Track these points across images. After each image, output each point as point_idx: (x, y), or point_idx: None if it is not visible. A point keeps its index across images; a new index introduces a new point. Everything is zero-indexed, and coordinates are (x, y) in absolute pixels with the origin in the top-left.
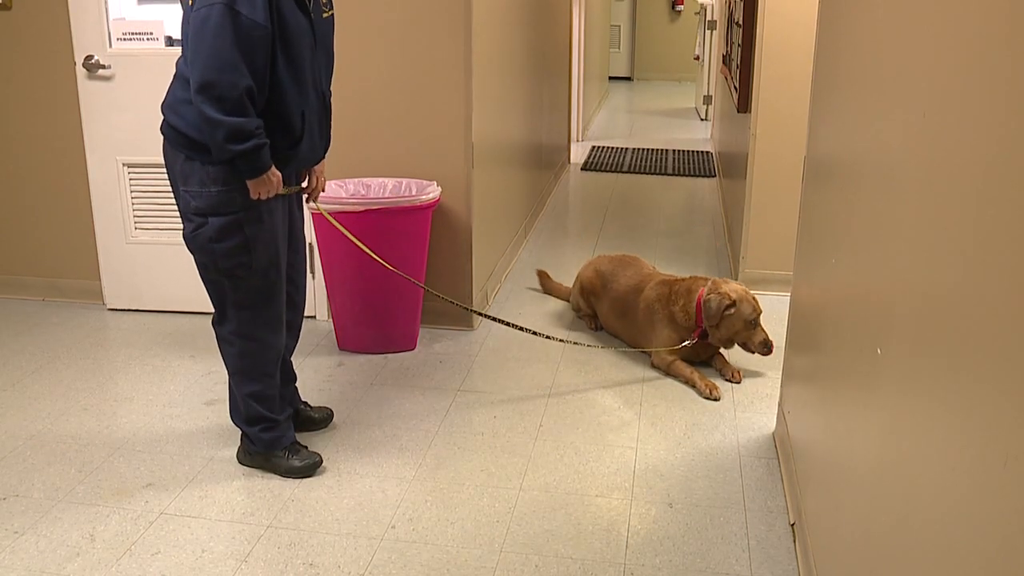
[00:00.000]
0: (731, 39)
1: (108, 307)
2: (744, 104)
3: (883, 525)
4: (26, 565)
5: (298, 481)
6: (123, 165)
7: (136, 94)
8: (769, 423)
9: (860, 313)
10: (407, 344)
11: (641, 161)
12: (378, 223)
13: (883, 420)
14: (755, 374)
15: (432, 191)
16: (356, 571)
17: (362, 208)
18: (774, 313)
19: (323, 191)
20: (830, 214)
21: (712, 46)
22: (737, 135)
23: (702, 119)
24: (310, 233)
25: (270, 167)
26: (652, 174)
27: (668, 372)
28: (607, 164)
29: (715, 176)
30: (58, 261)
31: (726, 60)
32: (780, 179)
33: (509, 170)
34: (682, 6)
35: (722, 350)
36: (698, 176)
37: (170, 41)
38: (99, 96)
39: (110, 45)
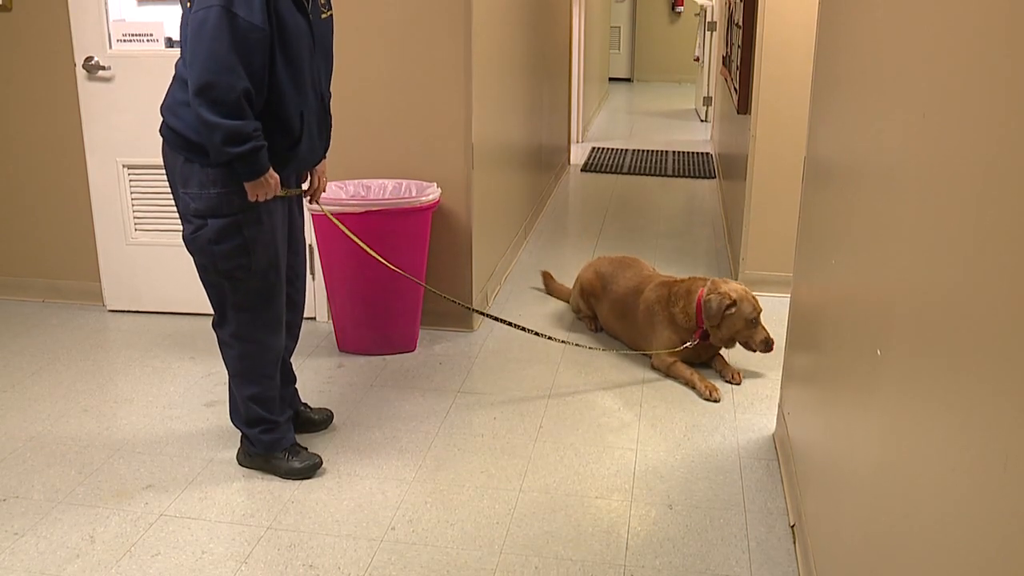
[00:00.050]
0: (731, 40)
1: (108, 308)
2: (744, 105)
3: (883, 526)
4: (26, 567)
5: (298, 483)
6: (123, 166)
7: (136, 95)
8: (769, 424)
9: (860, 314)
10: (407, 345)
11: (641, 162)
12: (378, 224)
13: (883, 421)
14: (755, 375)
15: (432, 192)
16: (356, 572)
17: (362, 209)
18: (774, 314)
19: (324, 192)
20: (830, 215)
21: (712, 47)
22: (737, 136)
23: (702, 120)
24: (310, 234)
25: (268, 169)
26: (652, 175)
27: (668, 374)
28: (607, 165)
29: (715, 177)
30: (58, 262)
31: (726, 61)
32: (780, 180)
33: (509, 171)
34: (682, 7)
35: (722, 351)
36: (698, 177)
37: (170, 42)
38: (99, 97)
39: (110, 46)
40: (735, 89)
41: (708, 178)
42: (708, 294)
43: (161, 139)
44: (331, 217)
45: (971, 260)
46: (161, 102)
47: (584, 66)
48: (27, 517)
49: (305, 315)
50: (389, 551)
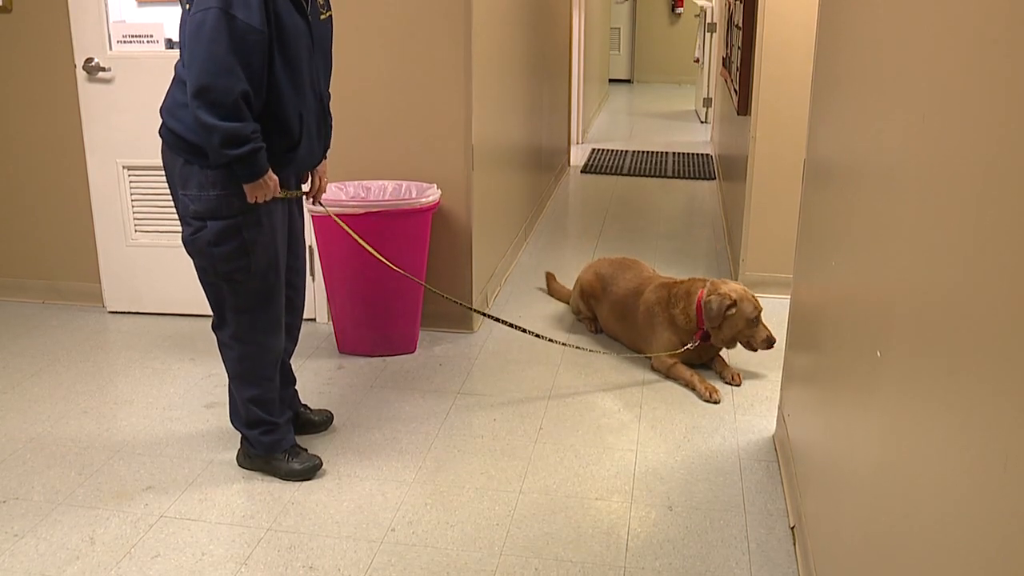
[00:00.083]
0: (731, 41)
1: (108, 310)
2: (744, 106)
3: (883, 528)
4: (26, 568)
5: (298, 484)
6: (123, 167)
7: (136, 96)
8: (769, 426)
9: (860, 315)
10: (407, 347)
11: (641, 164)
12: (378, 226)
13: (883, 423)
14: (755, 377)
15: (432, 194)
16: (356, 574)
17: (362, 211)
18: (774, 316)
19: (324, 192)
20: (830, 216)
21: (712, 48)
22: (737, 137)
23: (702, 121)
24: (310, 236)
25: (267, 171)
26: (652, 177)
27: (668, 375)
28: (607, 167)
29: (715, 178)
30: (58, 264)
31: (726, 62)
32: (780, 181)
33: (509, 173)
34: (682, 9)
35: (722, 352)
36: (698, 178)
37: (170, 44)
38: (99, 98)
39: (110, 47)
40: (735, 90)
41: (708, 179)
42: (708, 295)
43: (161, 141)
44: (336, 218)
45: (971, 261)
46: (161, 104)
47: (584, 67)
48: (27, 519)
49: (305, 316)
50: (389, 552)
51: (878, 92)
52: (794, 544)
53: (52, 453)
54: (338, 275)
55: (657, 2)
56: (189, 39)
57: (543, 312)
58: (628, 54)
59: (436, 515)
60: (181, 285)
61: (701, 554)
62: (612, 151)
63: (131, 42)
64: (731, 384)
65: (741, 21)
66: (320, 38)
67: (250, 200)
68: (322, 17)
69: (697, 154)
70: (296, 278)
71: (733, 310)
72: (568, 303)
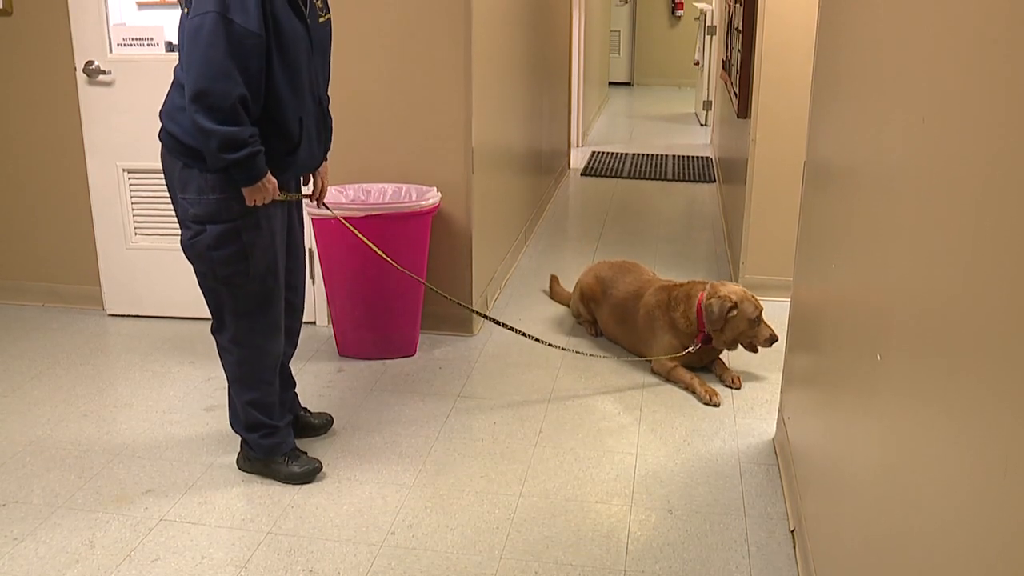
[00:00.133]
0: (731, 44)
1: (108, 313)
2: (744, 109)
3: (883, 531)
4: (25, 572)
5: (298, 487)
6: (123, 170)
7: (136, 99)
8: (769, 429)
9: (860, 318)
10: (407, 350)
11: (641, 166)
12: (378, 229)
13: (883, 426)
14: (755, 380)
15: (432, 196)
16: None
17: (362, 214)
18: (774, 319)
19: (327, 194)
20: (830, 219)
21: (712, 51)
22: (737, 140)
23: (702, 124)
24: (309, 239)
25: (265, 174)
26: (652, 179)
27: (668, 378)
28: (607, 169)
29: (715, 181)
30: (58, 266)
31: (726, 65)
32: (780, 184)
33: (509, 175)
34: (682, 11)
35: (722, 355)
36: (698, 181)
37: (170, 47)
38: (99, 101)
39: (110, 50)
40: (735, 93)
41: (708, 182)
42: (708, 299)
43: (160, 144)
44: (343, 221)
45: (970, 264)
46: (160, 107)
47: (584, 70)
48: (26, 522)
49: (305, 319)
50: (389, 556)
51: (878, 95)
52: (794, 547)
53: (52, 456)
54: (338, 278)
55: (657, 5)
56: (187, 43)
57: (543, 315)
58: (628, 57)
59: (436, 518)
60: (181, 288)
61: (701, 557)
62: (612, 154)
63: (131, 45)
64: (731, 387)
65: (741, 24)
66: (319, 41)
67: (249, 203)
68: (321, 20)
69: (697, 157)
70: (296, 281)
71: (735, 312)
72: (568, 306)
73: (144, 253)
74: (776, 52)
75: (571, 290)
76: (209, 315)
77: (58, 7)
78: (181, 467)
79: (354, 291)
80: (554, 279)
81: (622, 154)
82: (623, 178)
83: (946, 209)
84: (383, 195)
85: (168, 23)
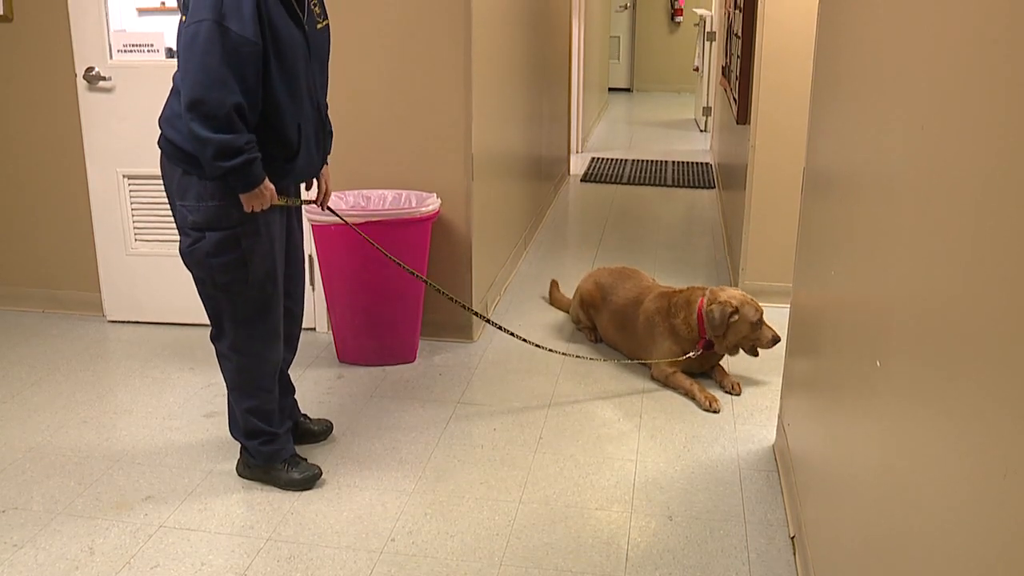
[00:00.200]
0: (730, 50)
1: (108, 319)
2: (743, 115)
3: (883, 537)
4: None
5: (297, 494)
6: (123, 176)
7: (136, 106)
8: (769, 435)
9: (860, 324)
10: (407, 356)
11: (640, 172)
12: (378, 235)
13: (883, 432)
14: (754, 386)
15: (432, 203)
16: None
17: (362, 220)
18: (774, 324)
19: (330, 197)
20: (829, 226)
21: (711, 57)
22: (736, 146)
23: (701, 130)
24: (309, 245)
25: (263, 180)
26: (651, 185)
27: (668, 384)
28: (606, 175)
29: (714, 187)
30: (58, 273)
31: (725, 71)
32: (779, 190)
33: (509, 182)
34: (681, 17)
35: (721, 361)
36: (697, 187)
37: (170, 53)
38: (99, 107)
39: (111, 57)
40: (734, 99)
41: (708, 188)
42: (709, 304)
43: (159, 151)
44: (353, 227)
45: (970, 269)
46: (160, 114)
47: (584, 76)
48: (26, 528)
49: (305, 326)
50: (389, 563)
51: (878, 101)
52: (794, 554)
53: (51, 463)
54: (338, 284)
55: (657, 11)
56: (183, 51)
57: (543, 321)
58: (628, 63)
59: (436, 525)
60: (181, 294)
61: (701, 564)
62: (612, 160)
63: (131, 51)
64: (731, 393)
65: (740, 30)
66: (317, 48)
67: (247, 210)
68: (319, 27)
69: (696, 163)
70: (295, 288)
71: (736, 317)
72: (568, 312)
73: (144, 259)
74: (776, 58)
75: (571, 296)
76: (209, 322)
77: (59, 13)
78: (181, 473)
79: (354, 297)
80: (554, 284)
81: (622, 160)
82: (623, 184)
83: (945, 215)
84: (383, 201)
85: (168, 29)
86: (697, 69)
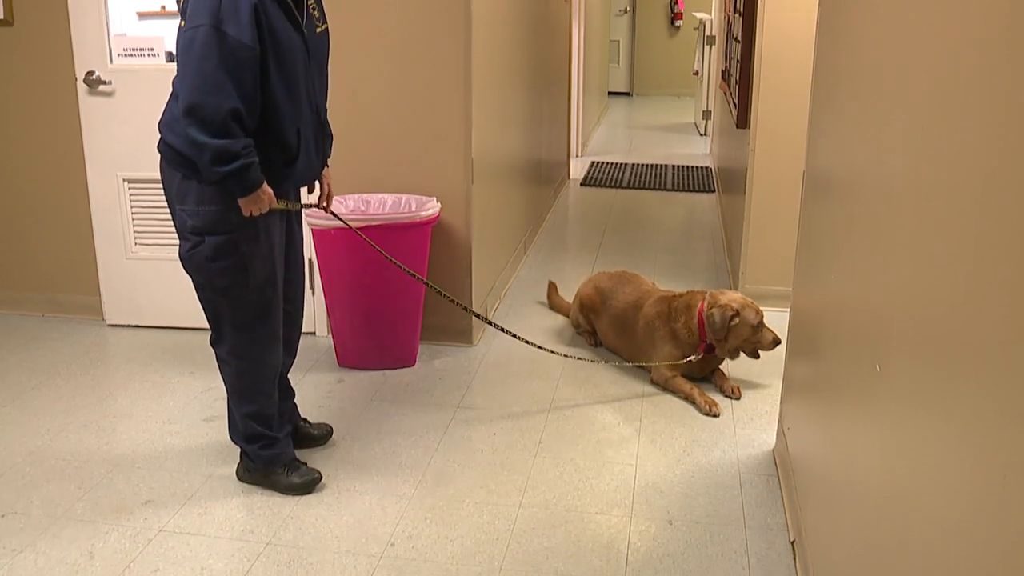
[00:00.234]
0: (730, 54)
1: (108, 323)
2: (743, 119)
3: (883, 542)
4: None
5: (297, 498)
6: (123, 180)
7: (137, 110)
8: (769, 439)
9: (859, 328)
10: (407, 360)
11: (640, 176)
12: (378, 239)
13: (883, 436)
14: (754, 390)
15: (432, 207)
16: None
17: (362, 224)
18: (774, 328)
19: (333, 198)
20: (829, 229)
21: (711, 61)
22: (736, 150)
23: (701, 134)
24: (309, 249)
25: (261, 184)
26: (651, 189)
27: (667, 388)
28: (606, 179)
29: (714, 191)
30: (58, 276)
31: (725, 75)
32: (779, 194)
33: (509, 186)
34: (681, 21)
35: (721, 366)
36: (697, 191)
37: (171, 57)
38: (100, 111)
39: (111, 61)
40: (734, 103)
41: (707, 192)
42: (709, 308)
43: (159, 155)
44: (356, 231)
45: (969, 274)
46: (159, 118)
47: (583, 80)
48: (26, 533)
49: (304, 330)
50: (388, 567)
51: (877, 104)
52: (794, 558)
53: (51, 467)
54: (338, 288)
55: (656, 15)
56: (181, 56)
57: (542, 325)
58: (627, 67)
59: (436, 529)
60: (181, 298)
61: (701, 568)
62: (611, 164)
63: (132, 55)
64: (730, 397)
65: (740, 34)
66: (316, 51)
67: (245, 214)
68: (318, 30)
69: (696, 167)
70: (295, 292)
71: (736, 320)
72: (567, 316)
73: (144, 263)
74: (775, 62)
75: (570, 300)
76: (208, 326)
77: (59, 17)
78: (180, 478)
79: (354, 301)
80: (552, 287)
81: (621, 164)
82: (622, 188)
83: (945, 219)
84: (383, 205)
85: (168, 33)
86: (697, 73)
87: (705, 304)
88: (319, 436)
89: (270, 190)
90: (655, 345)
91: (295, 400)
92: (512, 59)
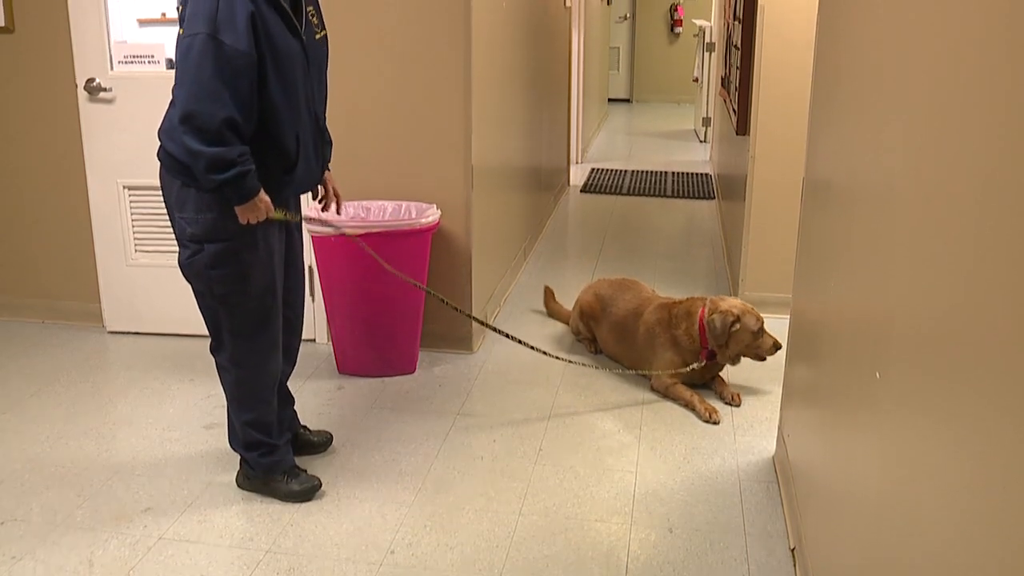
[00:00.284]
0: (730, 61)
1: (108, 329)
2: (743, 126)
3: (884, 548)
4: None
5: (297, 505)
6: (123, 187)
7: (137, 116)
8: (769, 446)
9: (859, 335)
10: (407, 367)
11: (640, 183)
12: (378, 246)
13: (883, 443)
14: (754, 397)
15: (432, 214)
16: None
17: (362, 231)
18: (774, 335)
19: (341, 201)
20: (829, 236)
21: (711, 68)
22: (736, 157)
23: (701, 141)
24: (309, 256)
25: (257, 192)
26: (651, 196)
27: (668, 395)
28: (606, 186)
29: (714, 198)
30: (58, 283)
31: (725, 82)
32: (779, 201)
33: (509, 192)
34: (681, 28)
35: (721, 373)
36: (697, 198)
37: (171, 64)
38: (100, 118)
39: (111, 68)
40: (734, 110)
41: (707, 199)
42: (709, 314)
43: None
44: (362, 243)
45: (969, 280)
46: (159, 126)
47: (583, 87)
48: (25, 540)
49: (305, 337)
50: (388, 575)
51: (877, 112)
52: (794, 566)
53: (51, 474)
54: (338, 295)
55: (656, 21)
56: (178, 63)
57: (542, 332)
58: (627, 73)
59: (435, 537)
60: (181, 305)
61: None
62: (611, 171)
63: (132, 62)
64: (730, 404)
65: (740, 41)
66: (315, 58)
67: (242, 222)
68: (317, 37)
69: (696, 174)
70: (294, 299)
71: (737, 326)
72: (566, 323)
73: (144, 270)
74: (775, 69)
75: (569, 307)
76: (208, 333)
77: (60, 24)
78: (180, 485)
79: (354, 308)
80: (548, 293)
81: (621, 171)
82: (622, 195)
83: (944, 226)
84: (383, 212)
85: (169, 40)
86: (697, 80)
87: (706, 310)
88: (319, 443)
89: (267, 198)
90: (656, 352)
91: (295, 407)
92: (512, 66)
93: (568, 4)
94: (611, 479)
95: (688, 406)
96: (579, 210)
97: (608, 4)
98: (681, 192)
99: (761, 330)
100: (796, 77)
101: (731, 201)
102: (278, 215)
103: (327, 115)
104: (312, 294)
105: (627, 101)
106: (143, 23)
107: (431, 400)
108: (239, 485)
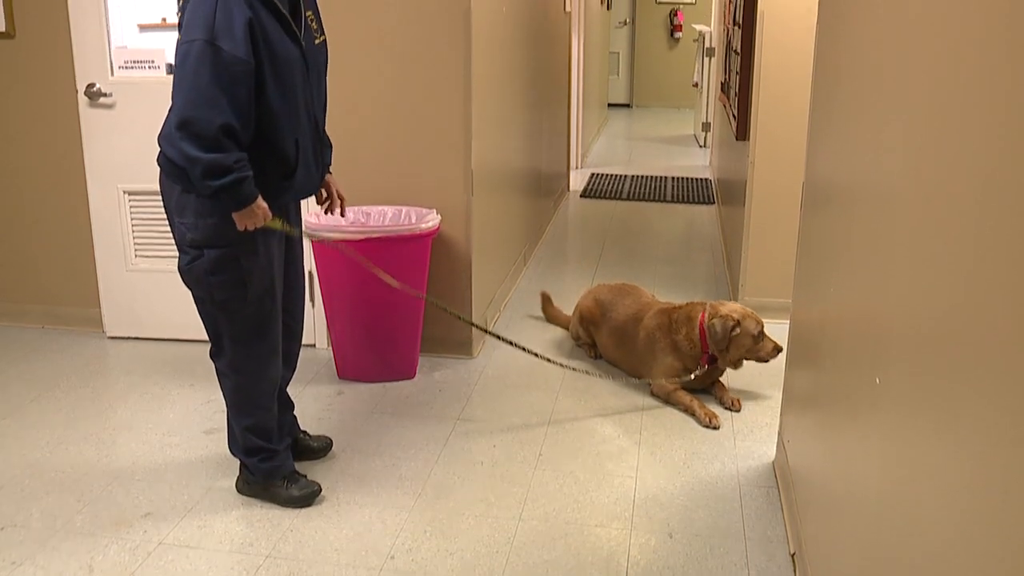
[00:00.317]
0: (729, 66)
1: (108, 335)
2: (743, 131)
3: (884, 554)
4: None
5: (297, 511)
6: (124, 192)
7: (137, 122)
8: (769, 452)
9: (859, 340)
10: (407, 372)
11: (640, 188)
12: (378, 251)
13: (883, 448)
14: (754, 402)
15: (432, 219)
16: None
17: (362, 236)
18: (774, 338)
19: (345, 203)
20: (829, 241)
21: (711, 73)
22: (736, 162)
23: (701, 146)
24: (309, 261)
25: (255, 199)
26: (651, 201)
27: (668, 400)
28: (606, 191)
29: (714, 203)
30: (58, 288)
31: (724, 87)
32: (779, 206)
33: (509, 197)
34: (681, 33)
35: (721, 378)
36: (697, 203)
37: (171, 69)
38: (100, 123)
39: (112, 73)
40: (734, 115)
41: (707, 204)
42: (710, 319)
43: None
44: (361, 259)
45: (968, 285)
46: (159, 132)
47: (583, 92)
48: (25, 546)
49: (305, 342)
50: None
51: (876, 117)
52: (794, 571)
53: (51, 479)
54: (338, 301)
55: (656, 26)
56: (176, 69)
57: (542, 337)
58: (627, 78)
59: (435, 542)
60: (181, 310)
61: None
62: (611, 176)
63: (132, 67)
64: (730, 409)
65: (739, 46)
66: (315, 63)
67: (240, 228)
68: (316, 42)
69: (696, 179)
70: (294, 305)
71: (738, 330)
72: (565, 328)
73: (144, 275)
74: (774, 74)
75: (567, 312)
76: (208, 339)
77: (60, 30)
78: (180, 490)
79: (354, 314)
80: (545, 297)
81: (621, 176)
82: (622, 200)
83: (944, 230)
84: (383, 218)
85: (169, 46)
86: (696, 85)
87: (706, 315)
88: (319, 448)
89: (264, 204)
90: (656, 357)
91: (295, 412)
92: (512, 71)
93: (568, 8)
94: (611, 484)
95: (688, 411)
96: (579, 215)
97: (608, 9)
98: (681, 197)
99: (761, 334)
100: (796, 82)
101: (731, 206)
102: (276, 225)
103: (326, 119)
104: (312, 299)
105: (627, 106)
106: (143, 28)
107: (431, 405)
108: (239, 490)
